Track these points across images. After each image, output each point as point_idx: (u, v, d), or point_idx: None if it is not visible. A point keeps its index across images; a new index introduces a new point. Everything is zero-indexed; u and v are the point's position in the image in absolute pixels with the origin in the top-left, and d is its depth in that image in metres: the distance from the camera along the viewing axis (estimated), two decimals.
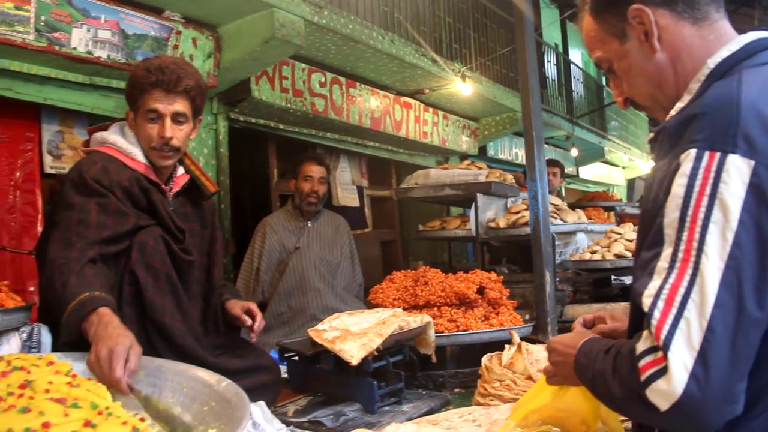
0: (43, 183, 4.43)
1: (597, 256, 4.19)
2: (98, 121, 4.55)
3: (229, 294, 2.58)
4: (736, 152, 1.10)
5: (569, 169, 12.49)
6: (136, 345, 1.72)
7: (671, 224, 1.14)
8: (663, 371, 1.06)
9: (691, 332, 1.06)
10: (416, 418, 2.24)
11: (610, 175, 16.60)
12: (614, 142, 14.28)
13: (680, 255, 1.11)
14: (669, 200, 1.15)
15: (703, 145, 1.13)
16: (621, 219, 6.99)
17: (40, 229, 4.35)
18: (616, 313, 1.65)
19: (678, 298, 1.08)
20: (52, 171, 4.49)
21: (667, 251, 1.13)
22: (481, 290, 3.02)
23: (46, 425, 1.21)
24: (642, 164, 17.14)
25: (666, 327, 1.07)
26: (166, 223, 2.34)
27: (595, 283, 4.74)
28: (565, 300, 4.30)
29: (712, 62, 1.28)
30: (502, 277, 3.21)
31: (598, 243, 4.39)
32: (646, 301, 1.12)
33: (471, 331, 2.82)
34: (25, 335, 1.91)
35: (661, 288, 1.11)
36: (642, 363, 1.10)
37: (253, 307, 2.50)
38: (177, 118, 2.36)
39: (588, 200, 7.85)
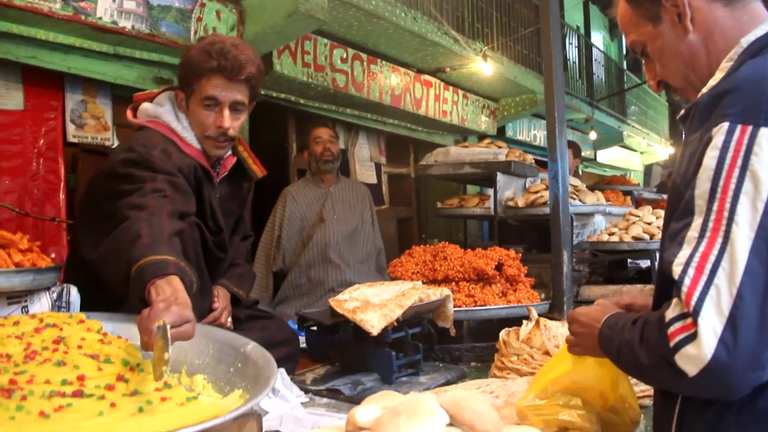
0: (65, 151, 4.49)
1: (615, 238, 4.19)
2: (121, 92, 4.61)
3: (227, 279, 2.49)
4: None
5: (587, 153, 12.44)
6: (194, 324, 1.51)
7: (702, 195, 1.16)
8: (692, 337, 1.09)
9: (721, 299, 1.08)
10: (433, 389, 2.27)
11: (627, 159, 16.51)
12: (633, 126, 14.20)
13: (711, 225, 1.13)
14: (700, 172, 1.17)
15: (736, 119, 1.15)
16: (638, 204, 6.97)
17: (62, 196, 4.41)
18: (635, 294, 1.67)
19: (708, 266, 1.10)
20: (75, 140, 4.54)
21: (697, 221, 1.16)
22: (499, 267, 3.04)
23: (81, 378, 1.24)
24: (660, 150, 17.03)
25: (696, 294, 1.10)
26: (207, 217, 2.27)
27: (611, 265, 4.74)
28: (582, 280, 4.31)
29: (746, 41, 1.30)
30: (520, 254, 3.22)
31: (616, 225, 4.38)
32: (677, 269, 1.14)
33: (488, 307, 2.84)
34: (55, 295, 1.95)
35: (691, 256, 1.13)
36: (671, 329, 1.12)
37: (219, 297, 2.38)
38: (235, 107, 2.24)
39: (605, 184, 7.82)
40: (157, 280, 1.59)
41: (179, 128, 2.23)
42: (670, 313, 1.14)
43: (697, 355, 1.08)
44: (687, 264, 1.13)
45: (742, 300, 1.07)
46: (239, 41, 2.27)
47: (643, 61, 1.53)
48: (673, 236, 1.21)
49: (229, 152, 2.41)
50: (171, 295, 1.55)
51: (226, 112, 2.22)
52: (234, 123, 2.25)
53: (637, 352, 1.22)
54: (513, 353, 2.37)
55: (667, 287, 1.21)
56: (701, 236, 1.14)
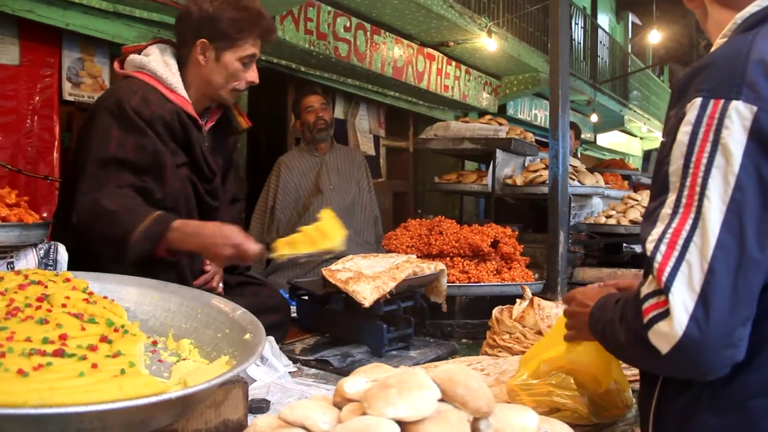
0: (61, 109, 4.42)
1: (612, 221, 4.16)
2: (120, 51, 4.53)
3: None
4: (740, 98, 1.10)
5: (587, 135, 12.40)
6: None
7: (676, 172, 1.15)
8: (665, 314, 1.08)
9: (692, 274, 1.07)
10: (423, 364, 2.25)
11: (627, 144, 16.47)
12: (635, 111, 14.14)
13: (683, 200, 1.12)
14: (674, 148, 1.16)
15: (709, 94, 1.14)
16: (636, 189, 6.95)
17: (56, 155, 4.35)
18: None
19: (680, 242, 1.10)
20: (71, 98, 4.48)
21: (671, 198, 1.15)
22: (494, 244, 3.01)
23: (63, 337, 1.21)
24: (660, 136, 16.96)
25: (667, 270, 1.09)
26: (200, 162, 2.30)
27: (606, 248, 4.72)
28: (576, 262, 4.29)
29: (740, 17, 1.27)
30: (516, 232, 3.19)
31: (613, 208, 4.35)
32: (649, 246, 1.13)
33: (482, 284, 2.81)
34: (42, 252, 1.92)
35: (663, 233, 1.12)
36: (645, 305, 1.11)
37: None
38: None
39: (604, 167, 7.79)
40: (168, 232, 1.97)
41: (166, 74, 2.25)
42: (645, 289, 1.13)
43: (668, 332, 1.07)
44: (659, 240, 1.12)
45: (714, 275, 1.06)
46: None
47: None
48: (648, 215, 1.20)
49: (215, 104, 2.45)
50: (194, 229, 2.03)
51: (254, 68, 2.37)
52: None
53: (617, 331, 1.21)
54: (505, 331, 2.35)
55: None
56: (674, 212, 1.13)
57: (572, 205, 4.15)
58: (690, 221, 1.10)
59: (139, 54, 2.32)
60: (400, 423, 0.93)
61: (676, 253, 1.09)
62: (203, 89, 2.33)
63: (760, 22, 1.23)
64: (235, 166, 2.65)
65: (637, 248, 4.73)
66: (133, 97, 2.13)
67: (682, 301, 1.06)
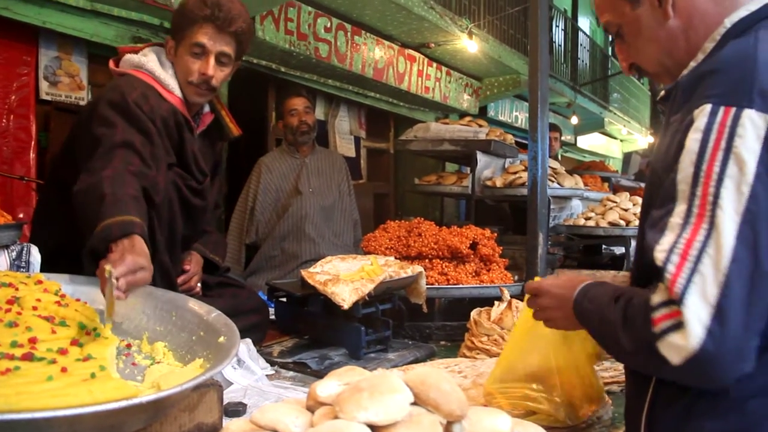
0: (37, 109, 4.38)
1: (591, 223, 4.18)
2: (98, 50, 4.50)
3: (201, 245, 2.49)
4: (752, 107, 1.08)
5: (567, 137, 12.46)
6: (149, 272, 1.65)
7: (685, 179, 1.12)
8: (678, 326, 1.05)
9: (706, 287, 1.04)
10: (401, 366, 2.25)
11: (607, 146, 16.59)
12: (615, 113, 14.24)
13: (695, 210, 1.09)
14: (683, 156, 1.13)
15: (719, 101, 1.11)
16: (615, 191, 6.99)
17: (32, 155, 4.31)
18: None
19: (693, 253, 1.06)
20: (48, 97, 4.44)
21: (680, 207, 1.12)
22: (473, 246, 3.01)
23: (32, 340, 1.19)
24: (640, 138, 17.12)
25: (680, 281, 1.05)
26: (190, 163, 2.29)
27: (586, 249, 4.74)
28: (556, 264, 4.30)
29: (729, 22, 1.26)
30: (495, 234, 3.19)
31: (593, 210, 4.37)
32: (660, 256, 1.10)
33: (461, 286, 2.81)
34: (14, 254, 1.89)
35: (675, 243, 1.09)
36: (656, 315, 1.08)
37: (192, 262, 2.41)
38: (221, 59, 2.28)
39: (584, 169, 7.83)
40: (122, 239, 1.69)
41: (163, 75, 2.26)
42: (656, 297, 1.10)
43: (683, 344, 1.04)
44: (670, 251, 1.08)
45: (729, 288, 1.03)
46: None
47: (617, 43, 1.48)
48: (654, 223, 1.16)
49: (207, 108, 2.44)
50: (128, 245, 1.65)
51: (212, 61, 2.27)
52: (218, 74, 2.29)
53: (619, 335, 1.17)
54: (483, 333, 2.35)
55: (644, 275, 1.18)
56: (685, 222, 1.09)
57: (551, 206, 4.16)
58: (703, 232, 1.07)
59: (136, 55, 2.33)
60: (372, 427, 0.92)
61: (689, 264, 1.06)
62: (181, 90, 2.32)
63: (751, 27, 1.23)
64: (220, 173, 2.63)
65: (617, 250, 4.76)
66: (133, 92, 2.14)
67: (697, 314, 1.03)
